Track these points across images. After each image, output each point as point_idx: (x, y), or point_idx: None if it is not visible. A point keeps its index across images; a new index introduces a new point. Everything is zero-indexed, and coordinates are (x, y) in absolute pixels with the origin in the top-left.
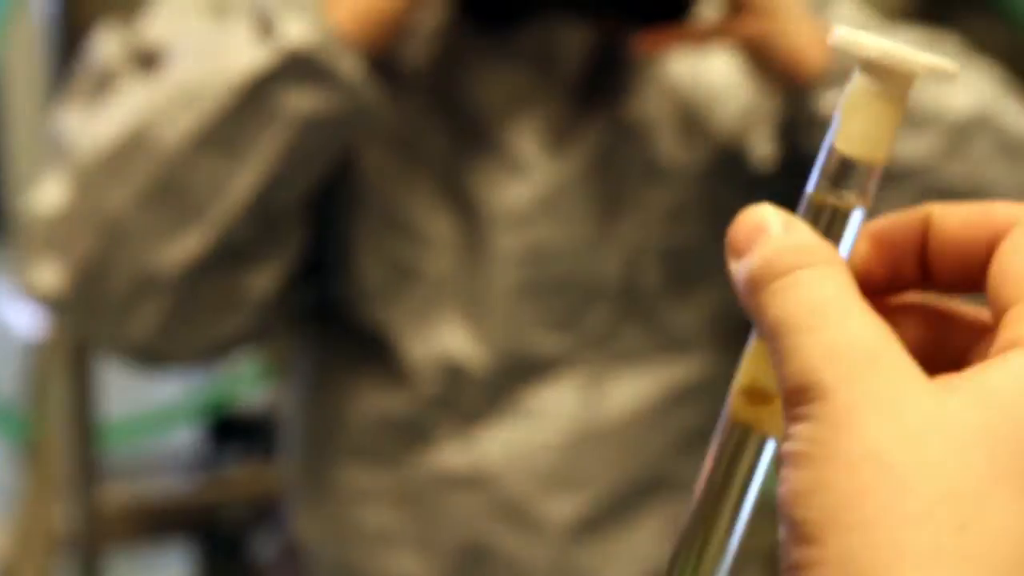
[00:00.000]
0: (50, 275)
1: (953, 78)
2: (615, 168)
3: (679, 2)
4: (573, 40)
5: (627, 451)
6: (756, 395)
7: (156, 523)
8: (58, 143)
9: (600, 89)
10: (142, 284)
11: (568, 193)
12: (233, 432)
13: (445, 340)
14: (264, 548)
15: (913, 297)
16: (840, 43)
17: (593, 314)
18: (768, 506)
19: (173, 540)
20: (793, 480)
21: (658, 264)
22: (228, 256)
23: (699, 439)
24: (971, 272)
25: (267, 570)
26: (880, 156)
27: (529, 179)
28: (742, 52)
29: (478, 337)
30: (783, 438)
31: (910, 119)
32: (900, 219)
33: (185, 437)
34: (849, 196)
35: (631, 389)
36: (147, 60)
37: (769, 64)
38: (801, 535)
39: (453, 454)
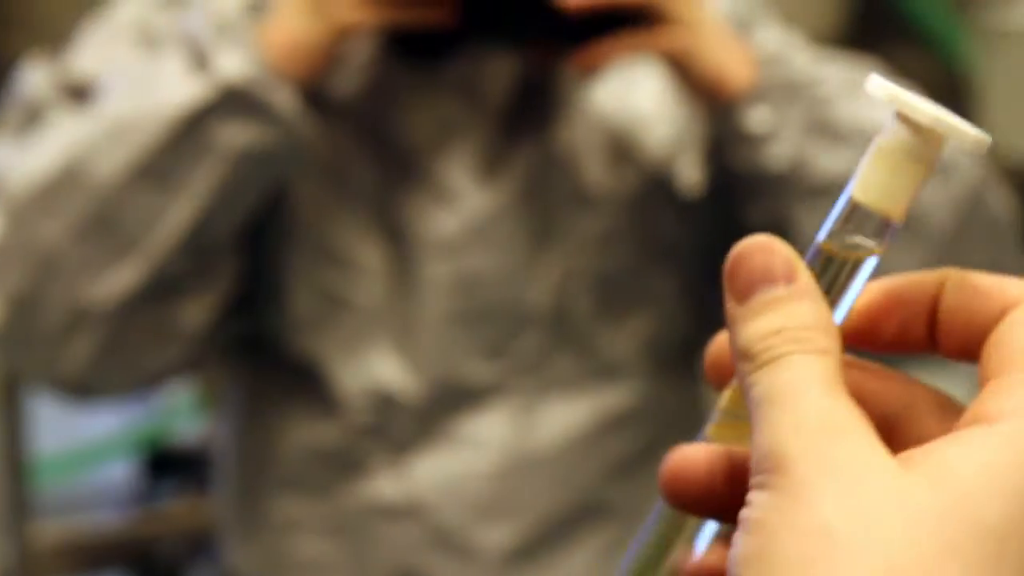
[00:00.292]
0: None
1: (983, 148)
2: (544, 196)
3: (604, 21)
4: (500, 70)
5: (560, 478)
6: (731, 418)
7: (91, 558)
8: None
9: (528, 118)
10: (75, 317)
11: (498, 222)
12: (168, 466)
13: (376, 369)
14: None
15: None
16: (879, 94)
17: (524, 342)
18: None
19: (109, 574)
20: (743, 545)
21: (589, 291)
22: (161, 289)
23: (632, 465)
24: (974, 343)
25: None
26: (898, 211)
27: (459, 208)
28: (668, 67)
29: (409, 366)
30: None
31: (832, 133)
32: (916, 278)
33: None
34: (862, 246)
35: (563, 416)
36: (77, 92)
37: (694, 80)
38: None
39: (386, 484)
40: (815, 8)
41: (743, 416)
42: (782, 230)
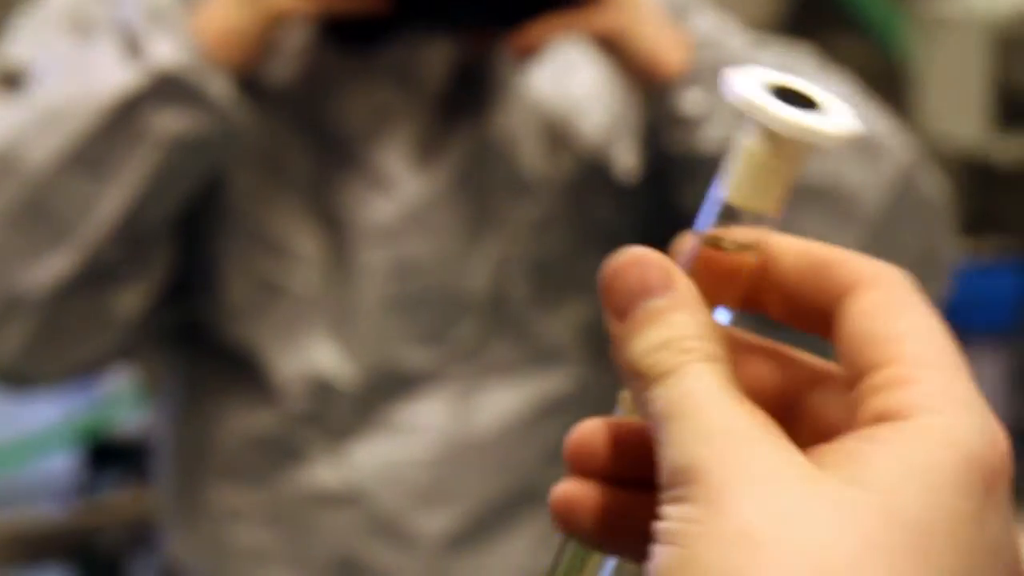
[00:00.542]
0: None
1: (854, 139)
2: (481, 182)
3: (538, 4)
4: (436, 56)
5: (498, 464)
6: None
7: (33, 549)
8: None
9: (464, 104)
10: (8, 304)
11: (434, 208)
12: (110, 456)
13: (313, 357)
14: (143, 572)
15: (755, 338)
16: (733, 101)
17: (462, 328)
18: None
19: (50, 566)
20: (663, 556)
21: (526, 277)
22: (95, 276)
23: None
24: (800, 309)
25: None
26: (772, 206)
27: (395, 195)
28: (602, 49)
29: (346, 353)
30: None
31: None
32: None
33: (61, 462)
34: (739, 244)
35: (501, 402)
36: (10, 80)
37: (628, 62)
38: None
39: (324, 471)
40: None
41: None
42: None
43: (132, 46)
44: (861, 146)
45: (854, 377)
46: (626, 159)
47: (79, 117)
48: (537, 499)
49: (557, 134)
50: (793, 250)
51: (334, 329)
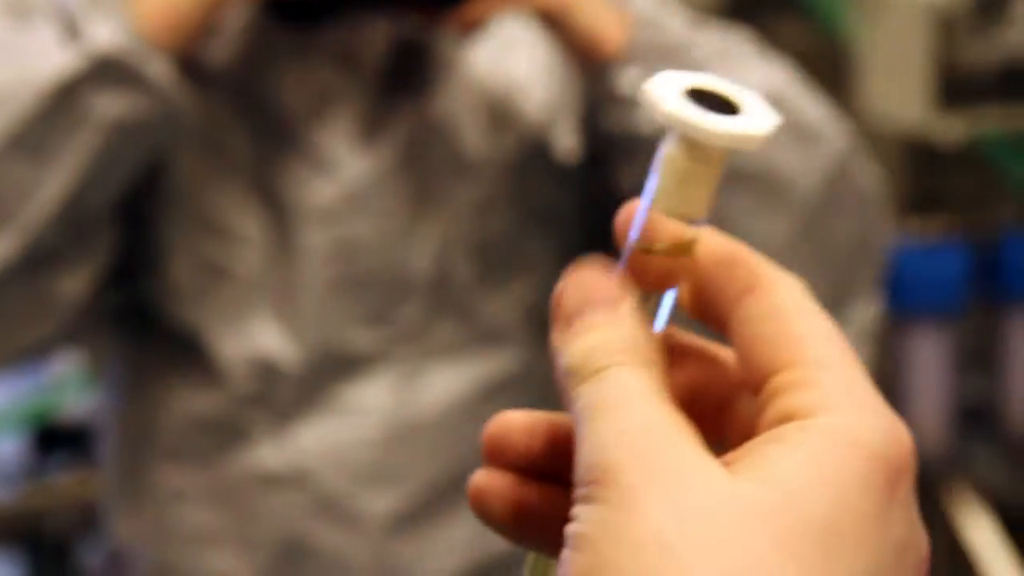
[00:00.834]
0: None
1: (766, 140)
2: (423, 163)
3: None
4: (377, 36)
5: (443, 444)
6: None
7: None
8: None
9: (406, 84)
10: None
11: (376, 189)
12: (57, 440)
13: (257, 338)
14: (91, 555)
15: (694, 340)
16: (650, 110)
17: (406, 309)
18: None
19: None
20: (573, 562)
21: (470, 257)
22: (37, 261)
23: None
24: (706, 305)
25: None
26: (699, 210)
27: (336, 176)
28: (542, 25)
29: (290, 334)
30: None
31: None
32: None
33: (7, 446)
34: (670, 249)
35: (446, 383)
36: None
37: (568, 39)
38: None
39: (269, 452)
40: None
41: None
42: None
43: (71, 29)
44: (796, 133)
45: (756, 379)
46: (567, 139)
47: (18, 101)
48: None
49: (499, 113)
50: (707, 243)
51: (278, 311)
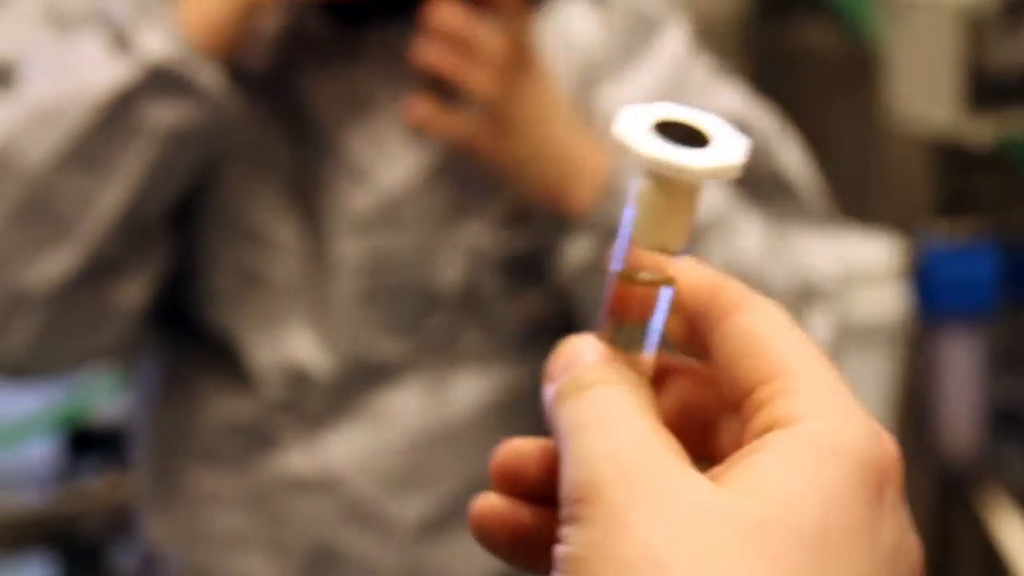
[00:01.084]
0: None
1: (734, 173)
2: (457, 174)
3: None
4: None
5: (471, 451)
6: None
7: (13, 536)
8: None
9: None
10: (13, 303)
11: (411, 199)
12: (90, 443)
13: (290, 345)
14: (123, 559)
15: (680, 361)
16: (622, 148)
17: (434, 319)
18: None
19: (31, 553)
20: None
21: (497, 269)
22: (98, 271)
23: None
24: (692, 333)
25: None
26: (676, 242)
27: (372, 185)
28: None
29: (323, 342)
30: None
31: None
32: None
33: (40, 450)
34: (655, 280)
35: (474, 391)
36: None
37: (526, 194)
38: None
39: (299, 458)
40: None
41: None
42: None
43: (120, 40)
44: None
45: (739, 395)
46: None
47: (74, 114)
48: None
49: None
50: (688, 275)
51: (311, 319)
